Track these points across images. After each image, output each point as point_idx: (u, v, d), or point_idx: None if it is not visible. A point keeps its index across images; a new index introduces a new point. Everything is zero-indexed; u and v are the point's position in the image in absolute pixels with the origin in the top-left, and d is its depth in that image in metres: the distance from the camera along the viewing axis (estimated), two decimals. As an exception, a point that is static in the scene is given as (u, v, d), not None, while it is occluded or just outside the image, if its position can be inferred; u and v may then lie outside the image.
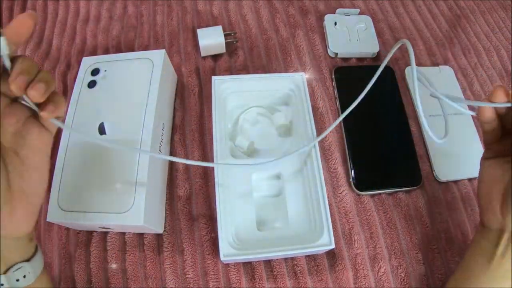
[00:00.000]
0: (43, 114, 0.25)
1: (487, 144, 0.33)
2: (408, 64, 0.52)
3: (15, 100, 0.25)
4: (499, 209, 0.30)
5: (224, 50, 0.50)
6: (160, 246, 0.39)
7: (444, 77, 0.51)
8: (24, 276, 0.27)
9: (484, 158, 0.33)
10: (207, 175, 0.43)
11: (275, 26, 0.54)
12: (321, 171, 0.39)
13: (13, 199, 0.25)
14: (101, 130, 0.38)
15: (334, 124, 0.39)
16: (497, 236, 0.31)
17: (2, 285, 0.26)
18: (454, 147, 0.46)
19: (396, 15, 0.57)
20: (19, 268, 0.27)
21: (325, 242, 0.36)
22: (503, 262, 0.30)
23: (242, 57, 0.51)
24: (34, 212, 0.27)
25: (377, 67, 0.51)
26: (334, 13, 0.54)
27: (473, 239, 0.34)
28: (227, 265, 0.39)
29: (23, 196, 0.26)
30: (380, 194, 0.43)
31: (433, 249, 0.41)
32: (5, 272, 0.26)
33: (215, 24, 0.53)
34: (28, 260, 0.28)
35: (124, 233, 0.40)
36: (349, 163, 0.44)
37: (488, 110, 0.30)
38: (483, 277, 0.31)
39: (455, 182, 0.45)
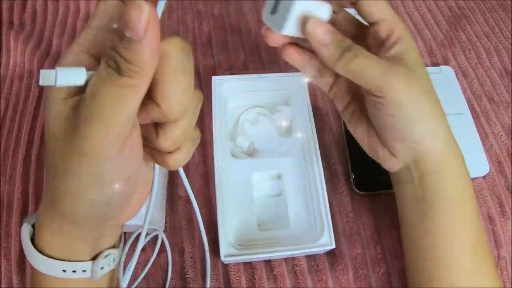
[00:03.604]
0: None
1: (341, 111, 0.35)
2: (408, 64, 0.52)
3: None
4: (391, 145, 0.32)
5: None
6: (160, 246, 0.39)
7: (444, 77, 0.51)
8: (109, 264, 0.26)
9: (348, 126, 0.35)
10: (208, 175, 0.43)
11: (275, 26, 0.54)
12: (322, 171, 0.39)
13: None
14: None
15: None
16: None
17: (84, 271, 0.24)
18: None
19: (396, 15, 0.57)
20: (107, 255, 0.25)
21: (325, 242, 0.36)
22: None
23: (243, 57, 0.51)
24: (145, 198, 0.26)
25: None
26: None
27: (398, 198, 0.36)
28: (227, 265, 0.39)
29: (141, 184, 0.25)
30: (380, 194, 0.43)
31: (433, 249, 0.41)
32: (93, 259, 0.25)
33: (216, 23, 0.53)
34: (114, 247, 0.27)
35: (124, 233, 0.40)
36: (349, 163, 0.44)
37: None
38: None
39: (456, 182, 0.45)
